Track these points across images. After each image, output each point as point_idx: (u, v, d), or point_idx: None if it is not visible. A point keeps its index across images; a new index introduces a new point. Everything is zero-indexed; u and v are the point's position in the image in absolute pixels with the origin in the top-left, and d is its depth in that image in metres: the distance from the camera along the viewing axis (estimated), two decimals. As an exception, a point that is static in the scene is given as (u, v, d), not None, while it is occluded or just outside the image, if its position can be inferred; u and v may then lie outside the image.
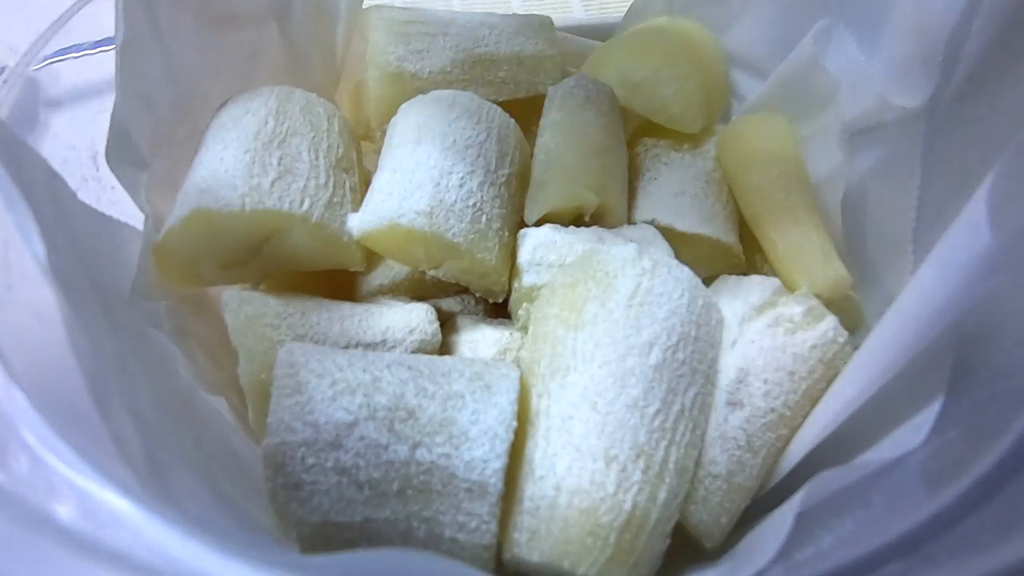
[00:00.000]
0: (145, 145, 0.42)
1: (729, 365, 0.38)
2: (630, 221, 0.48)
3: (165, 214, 0.42)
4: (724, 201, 0.50)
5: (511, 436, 0.33)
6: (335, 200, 0.42)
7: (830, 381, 0.38)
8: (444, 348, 0.43)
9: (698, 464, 0.36)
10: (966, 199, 0.28)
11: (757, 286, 0.41)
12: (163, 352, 0.39)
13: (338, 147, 0.45)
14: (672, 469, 0.34)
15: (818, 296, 0.41)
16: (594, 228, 0.44)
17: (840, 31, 0.47)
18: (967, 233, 0.28)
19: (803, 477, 0.32)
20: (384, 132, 0.48)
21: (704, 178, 0.50)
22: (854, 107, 0.47)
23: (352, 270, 0.44)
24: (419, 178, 0.42)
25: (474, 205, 0.42)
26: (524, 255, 0.42)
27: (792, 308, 0.40)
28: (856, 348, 0.37)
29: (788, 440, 0.38)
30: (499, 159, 0.44)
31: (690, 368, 0.36)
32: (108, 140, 0.40)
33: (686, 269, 0.39)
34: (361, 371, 0.34)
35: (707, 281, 0.43)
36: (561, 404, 0.35)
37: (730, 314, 0.40)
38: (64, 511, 0.25)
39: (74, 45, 0.45)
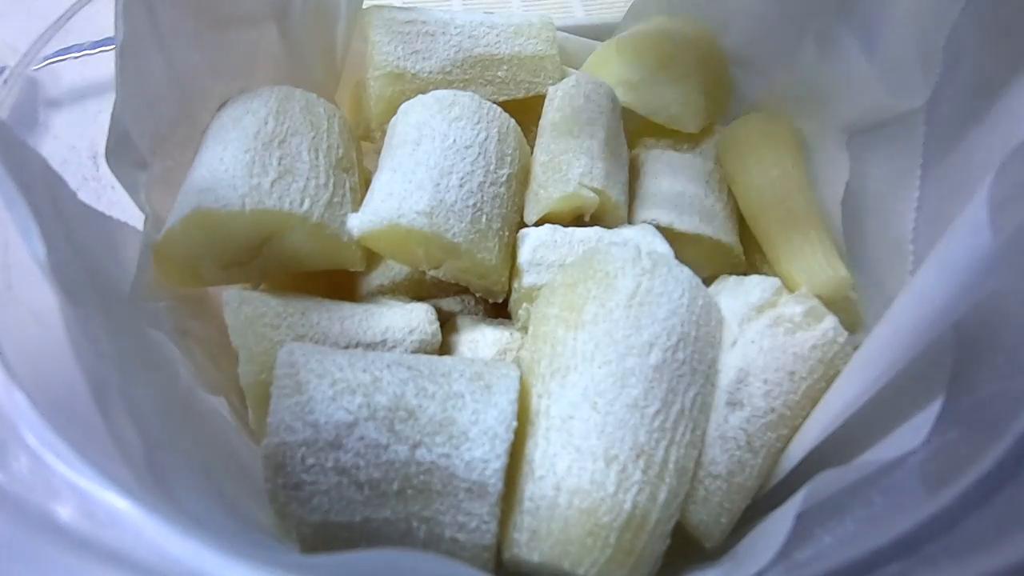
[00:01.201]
0: (145, 145, 0.42)
1: (729, 365, 0.38)
2: (630, 221, 0.48)
3: (165, 214, 0.42)
4: (724, 201, 0.50)
5: (511, 436, 0.33)
6: (335, 200, 0.42)
7: (830, 381, 0.38)
8: (444, 348, 0.43)
9: (698, 464, 0.36)
10: (966, 199, 0.28)
11: (757, 286, 0.41)
12: (163, 352, 0.39)
13: (338, 147, 0.45)
14: (672, 469, 0.34)
15: (818, 296, 0.41)
16: (594, 228, 0.44)
17: (840, 31, 0.47)
18: (967, 233, 0.28)
19: (803, 477, 0.32)
20: (384, 132, 0.48)
21: (704, 178, 0.50)
22: (854, 107, 0.47)
23: (352, 270, 0.44)
24: (419, 178, 0.42)
25: (474, 205, 0.42)
26: (524, 255, 0.43)
27: (792, 308, 0.40)
28: (856, 348, 0.37)
29: (788, 440, 0.38)
30: (499, 159, 0.44)
31: (690, 368, 0.36)
32: (108, 140, 0.40)
33: (686, 269, 0.39)
34: (361, 371, 0.34)
35: (707, 281, 0.43)
36: (561, 404, 0.35)
37: (730, 314, 0.40)
38: (64, 511, 0.25)
39: (74, 45, 0.45)
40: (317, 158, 0.43)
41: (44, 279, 0.30)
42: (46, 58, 0.44)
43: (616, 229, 0.45)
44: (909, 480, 0.31)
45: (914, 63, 0.42)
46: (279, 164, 0.41)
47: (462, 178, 0.42)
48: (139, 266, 0.40)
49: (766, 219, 0.48)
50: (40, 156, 0.34)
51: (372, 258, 0.45)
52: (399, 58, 0.50)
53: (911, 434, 0.32)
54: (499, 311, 0.46)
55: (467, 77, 0.51)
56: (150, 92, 0.43)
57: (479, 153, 0.43)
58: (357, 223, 0.42)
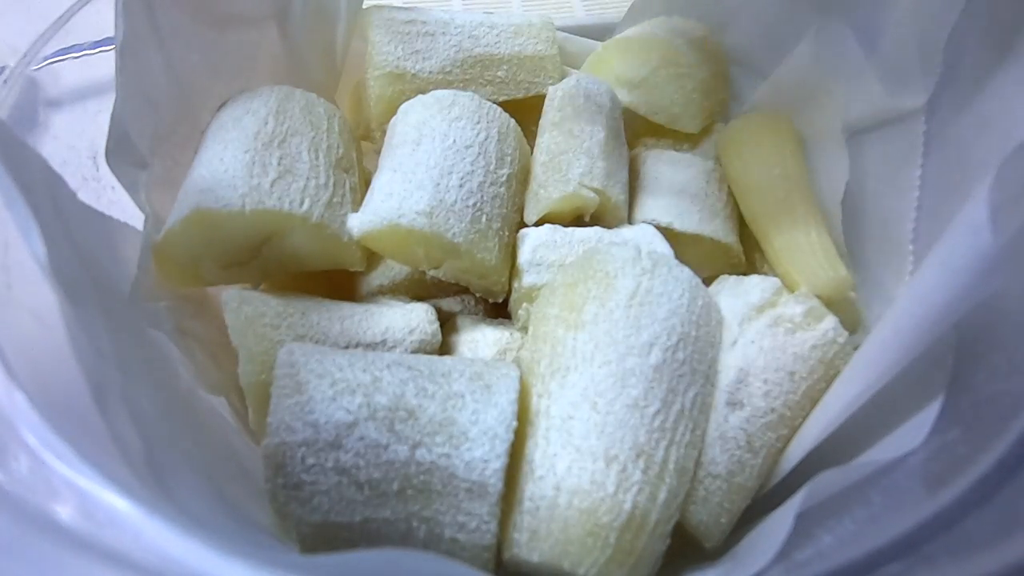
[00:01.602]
0: (145, 145, 0.42)
1: (729, 365, 0.38)
2: (630, 221, 0.48)
3: (165, 214, 0.42)
4: (724, 201, 0.50)
5: (511, 436, 0.33)
6: (335, 200, 0.42)
7: (830, 381, 0.38)
8: (444, 348, 0.43)
9: (698, 464, 0.36)
10: (966, 199, 0.28)
11: (757, 286, 0.41)
12: (163, 352, 0.39)
13: (338, 147, 0.45)
14: (672, 469, 0.34)
15: (818, 296, 0.41)
16: (594, 228, 0.44)
17: (840, 31, 0.47)
18: (967, 233, 0.28)
19: (803, 477, 0.32)
20: (384, 132, 0.48)
21: (704, 178, 0.50)
22: (854, 107, 0.47)
23: (352, 270, 0.44)
24: (419, 178, 0.42)
25: (474, 205, 0.42)
26: (524, 255, 0.43)
27: (792, 308, 0.40)
28: (856, 348, 0.37)
29: (788, 440, 0.38)
30: (499, 159, 0.44)
31: (690, 368, 0.36)
32: (108, 140, 0.40)
33: (686, 269, 0.39)
34: (361, 371, 0.34)
35: (707, 281, 0.43)
36: (561, 404, 0.35)
37: (730, 314, 0.40)
38: (64, 511, 0.25)
39: (74, 45, 0.45)
40: (317, 158, 0.43)
41: (44, 279, 0.30)
42: (46, 58, 0.44)
43: (616, 229, 0.45)
44: (909, 480, 0.31)
45: (914, 63, 0.42)
46: (279, 164, 0.41)
47: (462, 178, 0.42)
48: (139, 266, 0.40)
49: (766, 219, 0.48)
50: (40, 156, 0.34)
51: (372, 258, 0.45)
52: (399, 58, 0.50)
53: (911, 434, 0.32)
54: (499, 311, 0.46)
55: (467, 77, 0.51)
56: (150, 92, 0.43)
57: (479, 153, 0.43)
58: (357, 223, 0.42)
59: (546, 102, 0.50)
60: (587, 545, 0.32)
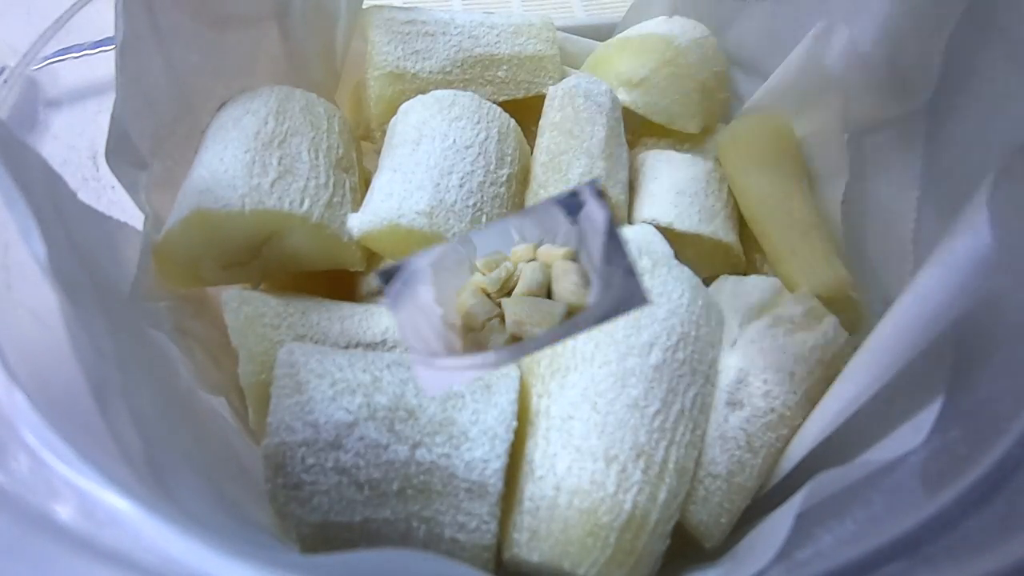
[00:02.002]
0: (145, 145, 0.42)
1: (729, 365, 0.38)
2: (630, 221, 0.48)
3: (165, 214, 0.42)
4: (724, 201, 0.50)
5: (511, 436, 0.33)
6: (335, 200, 0.42)
7: (830, 381, 0.38)
8: (444, 348, 0.43)
9: (698, 464, 0.36)
10: (966, 199, 0.28)
11: (757, 286, 0.41)
12: (163, 352, 0.39)
13: (338, 147, 0.45)
14: (672, 469, 0.34)
15: (818, 296, 0.41)
16: (594, 228, 0.44)
17: (840, 31, 0.47)
18: (967, 233, 0.28)
19: (803, 477, 0.32)
20: (384, 132, 0.48)
21: (704, 178, 0.50)
22: (854, 107, 0.47)
23: (352, 270, 0.44)
24: (419, 178, 0.42)
25: (474, 205, 0.42)
26: (524, 255, 0.42)
27: (792, 308, 0.40)
28: (856, 348, 0.37)
29: (788, 440, 0.38)
30: (499, 159, 0.44)
31: (690, 368, 0.36)
32: (108, 140, 0.40)
33: (686, 269, 0.39)
34: (361, 371, 0.34)
35: (707, 281, 0.43)
36: (561, 404, 0.35)
37: (730, 314, 0.40)
38: (64, 511, 0.25)
39: (74, 45, 0.45)
40: (317, 158, 0.43)
41: (44, 279, 0.30)
42: (46, 58, 0.44)
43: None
44: (909, 480, 0.31)
45: (914, 63, 0.42)
46: (279, 164, 0.41)
47: (462, 178, 0.42)
48: (139, 266, 0.40)
49: (766, 219, 0.48)
50: (40, 156, 0.34)
51: (372, 258, 0.45)
52: (399, 58, 0.50)
53: (911, 434, 0.32)
54: (499, 311, 0.46)
55: (467, 77, 0.51)
56: (150, 92, 0.43)
57: (479, 153, 0.44)
58: (357, 223, 0.42)
59: (546, 102, 0.50)
60: (587, 545, 0.32)
